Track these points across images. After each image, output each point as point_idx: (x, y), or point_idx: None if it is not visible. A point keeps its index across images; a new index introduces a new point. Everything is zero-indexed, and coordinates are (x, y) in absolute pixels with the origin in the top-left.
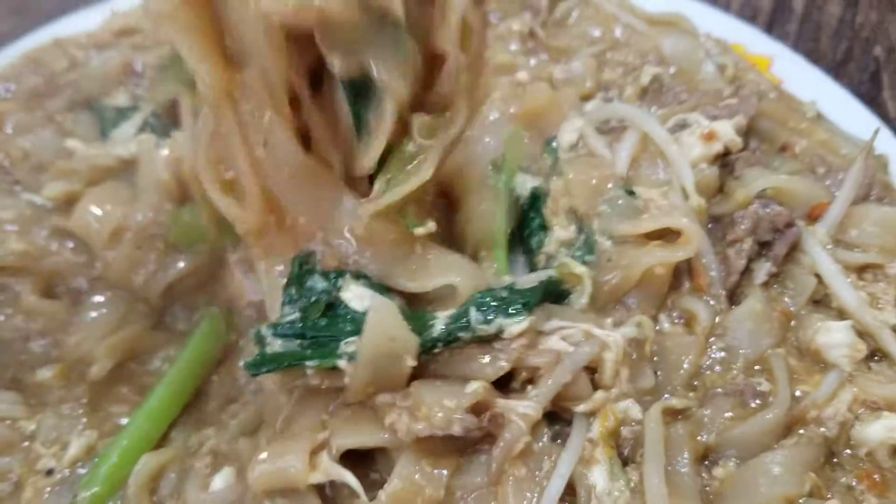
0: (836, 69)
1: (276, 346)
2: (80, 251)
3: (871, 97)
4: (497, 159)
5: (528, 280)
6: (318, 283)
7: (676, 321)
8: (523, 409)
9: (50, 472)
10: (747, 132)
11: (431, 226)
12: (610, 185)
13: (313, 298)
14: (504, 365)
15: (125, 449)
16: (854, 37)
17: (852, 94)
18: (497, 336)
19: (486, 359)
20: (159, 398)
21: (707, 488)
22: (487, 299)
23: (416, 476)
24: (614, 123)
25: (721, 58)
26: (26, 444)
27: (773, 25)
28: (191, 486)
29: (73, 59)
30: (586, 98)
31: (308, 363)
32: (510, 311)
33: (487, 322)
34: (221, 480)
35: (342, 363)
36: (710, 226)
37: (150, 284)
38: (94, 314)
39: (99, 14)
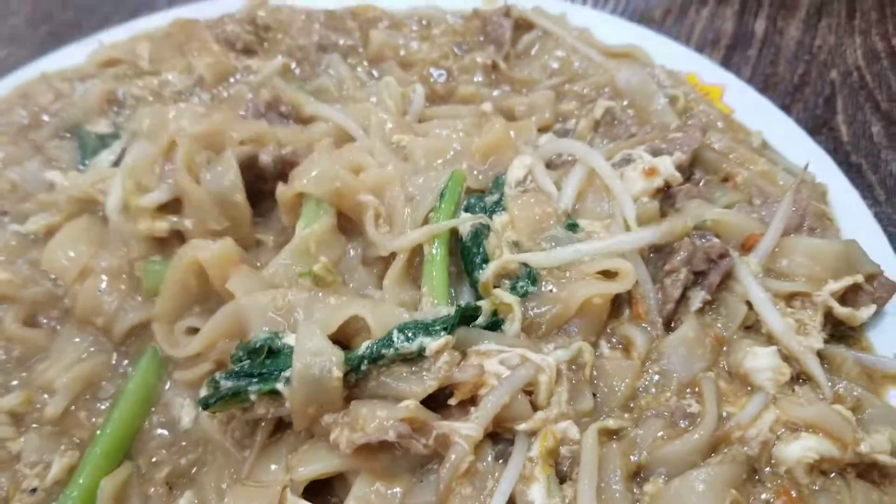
0: (794, 93)
1: (226, 386)
2: (58, 283)
3: (824, 121)
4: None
5: (447, 309)
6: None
7: (616, 346)
8: (466, 430)
9: (34, 491)
10: (693, 163)
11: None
12: (552, 222)
13: (258, 344)
14: (432, 384)
15: (88, 474)
16: (812, 60)
17: (803, 122)
18: (421, 356)
19: (413, 378)
20: (109, 433)
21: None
22: (410, 325)
23: (372, 497)
24: (566, 157)
25: (673, 90)
26: (15, 464)
27: (735, 49)
28: None
29: (59, 92)
30: (544, 129)
31: (251, 388)
32: (430, 331)
33: (409, 340)
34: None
35: (280, 385)
36: (651, 255)
37: (113, 324)
38: (64, 344)
39: (86, 47)
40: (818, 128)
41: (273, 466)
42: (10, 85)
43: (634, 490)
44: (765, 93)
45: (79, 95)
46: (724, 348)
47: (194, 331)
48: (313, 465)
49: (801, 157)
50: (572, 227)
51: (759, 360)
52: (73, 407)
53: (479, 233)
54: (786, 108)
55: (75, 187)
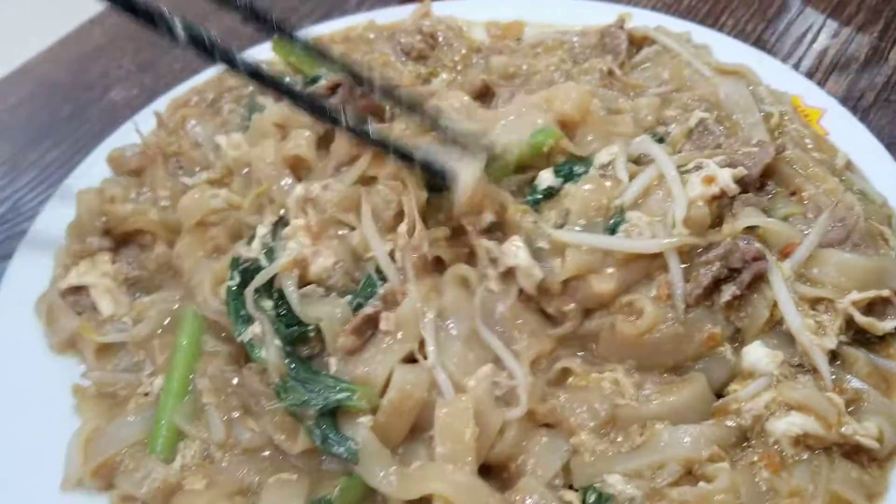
0: None
1: None
2: None
3: None
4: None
5: None
6: None
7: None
8: None
9: (146, 395)
10: (768, 175)
11: None
12: (608, 206)
13: None
14: None
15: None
16: None
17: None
18: None
19: None
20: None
21: None
22: None
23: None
24: (650, 158)
25: (771, 107)
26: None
27: (864, 72)
28: None
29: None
30: (646, 129)
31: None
32: None
33: None
34: None
35: None
36: (699, 251)
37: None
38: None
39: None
40: None
41: None
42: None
43: None
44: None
45: None
46: (721, 349)
47: None
48: None
49: (886, 182)
50: (616, 223)
51: (752, 354)
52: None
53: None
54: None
55: (233, 156)
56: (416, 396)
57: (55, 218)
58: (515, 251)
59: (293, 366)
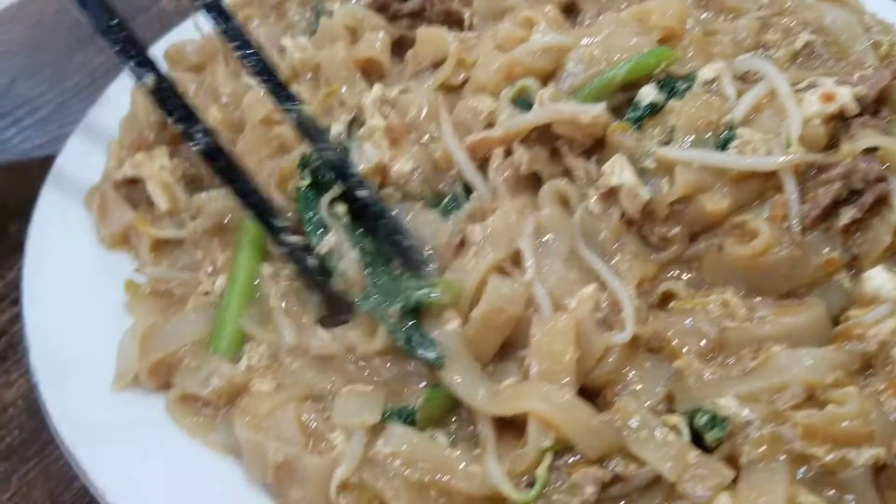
0: None
1: None
2: None
3: None
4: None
5: None
6: None
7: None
8: None
9: (206, 294)
10: (880, 101)
11: None
12: (717, 122)
13: None
14: None
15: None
16: None
17: None
18: None
19: None
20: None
21: None
22: None
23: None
24: (757, 77)
25: (879, 36)
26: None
27: None
28: None
29: None
30: (746, 50)
31: None
32: None
33: None
34: None
35: None
36: (813, 173)
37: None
38: None
39: None
40: None
41: None
42: None
43: None
44: None
45: None
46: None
47: None
48: None
49: None
50: (726, 140)
51: (876, 279)
52: None
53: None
54: None
55: (300, 58)
56: (511, 311)
57: (105, 118)
58: (619, 170)
59: (373, 277)
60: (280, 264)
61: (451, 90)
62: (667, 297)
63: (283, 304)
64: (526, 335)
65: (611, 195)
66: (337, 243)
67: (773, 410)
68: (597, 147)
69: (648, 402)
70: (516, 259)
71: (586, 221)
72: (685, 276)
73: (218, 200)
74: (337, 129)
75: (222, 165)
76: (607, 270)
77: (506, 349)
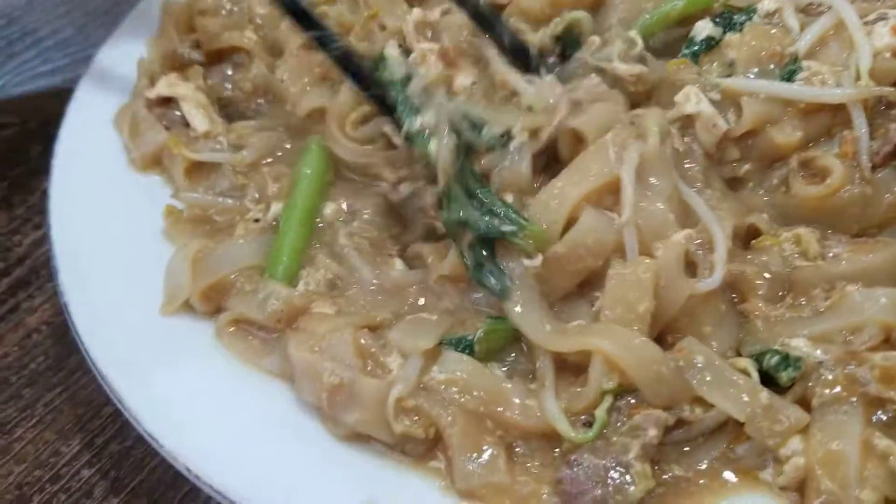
0: None
1: None
2: None
3: None
4: None
5: None
6: None
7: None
8: None
9: (257, 221)
10: None
11: None
12: (781, 54)
13: None
14: None
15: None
16: None
17: None
18: None
19: None
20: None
21: None
22: None
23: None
24: (822, 9)
25: None
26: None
27: None
28: None
29: None
30: None
31: None
32: None
33: None
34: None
35: None
36: (882, 108)
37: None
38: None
39: None
40: None
41: None
42: None
43: None
44: None
45: None
46: None
47: None
48: None
49: None
50: (792, 72)
51: None
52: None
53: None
54: None
55: None
56: (598, 253)
57: (131, 39)
58: (696, 99)
59: (462, 172)
60: (345, 200)
61: (498, 8)
62: (749, 235)
63: (350, 242)
64: (603, 276)
65: (686, 127)
66: (433, 123)
67: (848, 351)
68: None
69: (716, 345)
70: (612, 188)
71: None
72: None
73: (262, 132)
74: (393, 51)
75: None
76: (708, 212)
77: (579, 288)
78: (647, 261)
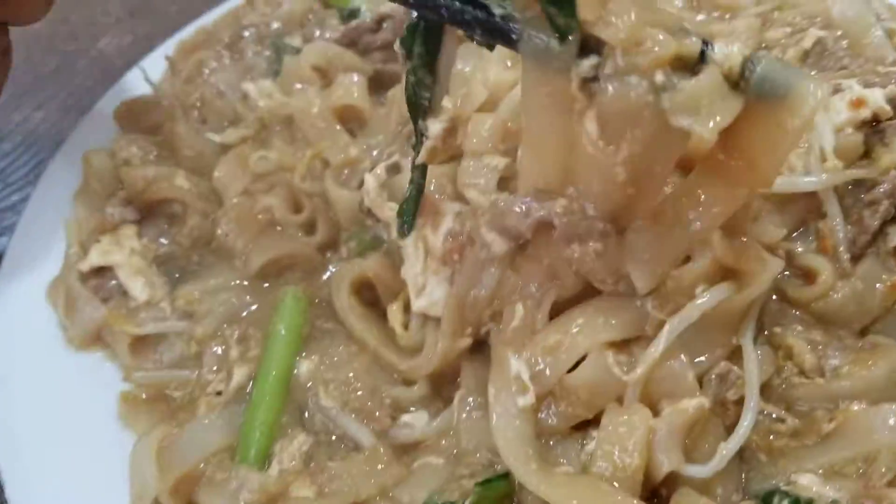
0: None
1: None
2: None
3: None
4: None
5: None
6: None
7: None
8: None
9: (219, 394)
10: None
11: None
12: None
13: None
14: None
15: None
16: None
17: None
18: None
19: None
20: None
21: None
22: None
23: None
24: None
25: (891, 23)
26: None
27: None
28: None
29: (264, 14)
30: None
31: None
32: None
33: None
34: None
35: None
36: (850, 187)
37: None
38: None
39: None
40: None
41: None
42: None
43: None
44: None
45: (285, 8)
46: None
47: None
48: None
49: None
50: None
51: None
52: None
53: None
54: None
55: (266, 107)
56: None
57: (54, 188)
58: None
59: None
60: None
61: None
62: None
63: (337, 402)
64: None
65: None
66: None
67: (865, 487)
68: None
69: (721, 490)
70: None
71: None
72: None
73: (215, 294)
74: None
75: None
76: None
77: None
78: (644, 413)
